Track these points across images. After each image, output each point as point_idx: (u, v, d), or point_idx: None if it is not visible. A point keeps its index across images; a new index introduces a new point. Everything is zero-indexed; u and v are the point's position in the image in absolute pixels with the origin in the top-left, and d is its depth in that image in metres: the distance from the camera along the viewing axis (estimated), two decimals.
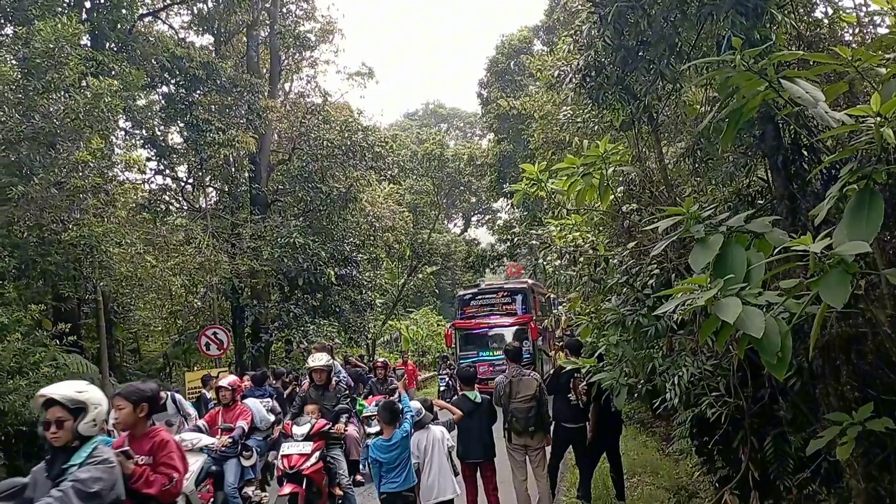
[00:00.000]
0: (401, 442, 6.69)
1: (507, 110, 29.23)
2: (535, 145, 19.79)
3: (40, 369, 12.23)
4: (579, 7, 7.69)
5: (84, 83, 14.07)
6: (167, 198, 23.00)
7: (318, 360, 8.76)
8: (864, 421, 3.38)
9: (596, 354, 7.43)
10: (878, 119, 2.63)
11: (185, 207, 23.75)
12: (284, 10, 26.05)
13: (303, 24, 26.78)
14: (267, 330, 21.22)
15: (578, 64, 7.13)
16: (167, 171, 22.66)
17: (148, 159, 21.27)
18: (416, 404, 7.44)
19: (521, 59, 31.85)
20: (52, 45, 12.42)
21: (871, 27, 6.23)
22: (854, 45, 5.38)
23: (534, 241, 8.87)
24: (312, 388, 8.81)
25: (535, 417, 8.16)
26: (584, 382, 7.89)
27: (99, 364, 14.47)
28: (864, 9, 6.12)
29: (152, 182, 22.54)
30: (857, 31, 6.25)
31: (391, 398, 8.85)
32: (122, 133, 19.90)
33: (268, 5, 24.33)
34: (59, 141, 12.91)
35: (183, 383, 15.40)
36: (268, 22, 24.59)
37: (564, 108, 10.63)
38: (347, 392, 9.54)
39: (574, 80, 7.26)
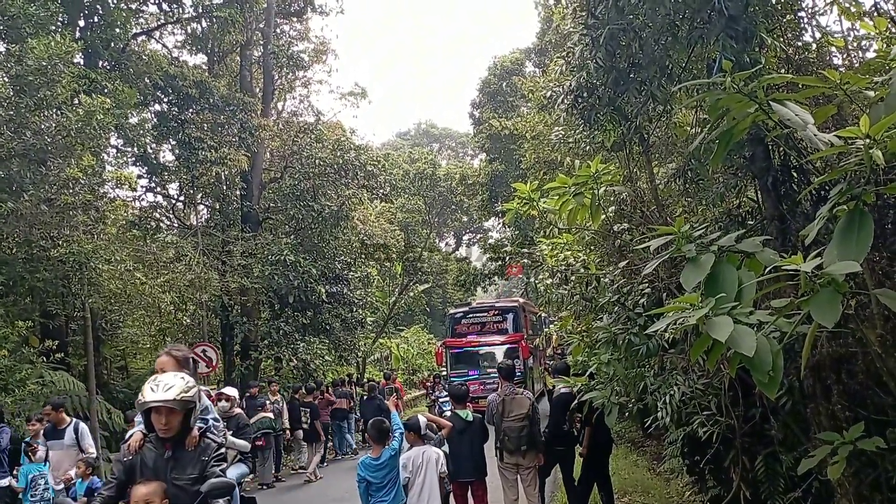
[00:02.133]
0: (389, 461, 6.58)
1: (499, 131, 29.40)
2: (526, 165, 19.90)
3: (26, 386, 12.13)
4: (571, 29, 7.78)
5: (76, 101, 14.07)
6: (158, 215, 22.97)
7: (165, 387, 4.30)
8: (855, 440, 3.39)
9: (587, 373, 7.43)
10: (867, 141, 2.66)
11: (176, 225, 23.69)
12: (278, 30, 26.19)
13: (296, 45, 26.91)
14: (256, 347, 21.09)
15: (570, 85, 7.21)
16: (158, 189, 22.66)
17: (139, 177, 21.25)
18: (422, 419, 7.42)
19: (512, 80, 32.09)
20: (44, 63, 12.43)
21: (858, 51, 6.33)
22: (842, 69, 5.46)
23: (525, 260, 8.90)
24: (150, 445, 4.41)
25: (528, 436, 8.13)
26: (576, 401, 7.88)
27: (86, 382, 14.33)
28: (851, 33, 6.23)
29: (143, 199, 22.54)
30: (845, 54, 6.35)
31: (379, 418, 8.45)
32: (114, 150, 19.86)
33: (262, 25, 24.46)
34: (50, 158, 12.89)
35: None
36: (261, 42, 24.71)
37: (556, 128, 10.72)
38: (222, 452, 4.70)
39: (566, 100, 7.33)
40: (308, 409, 15.85)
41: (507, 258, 24.54)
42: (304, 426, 15.67)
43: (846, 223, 2.72)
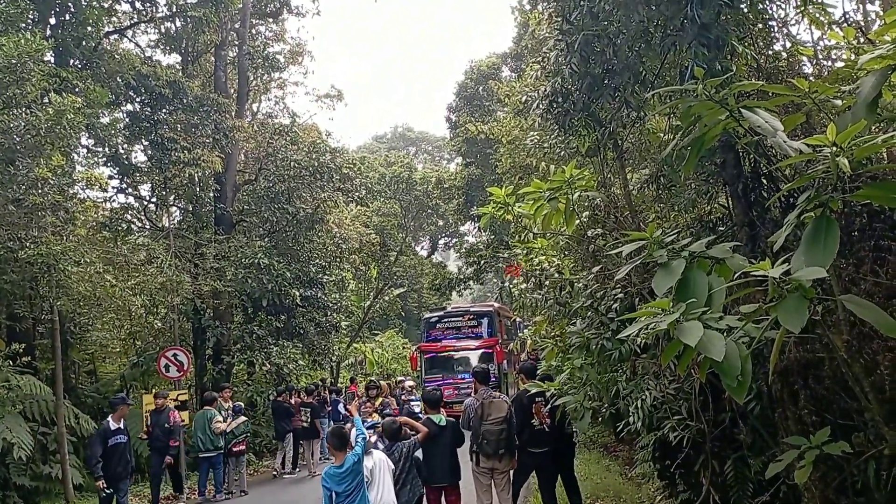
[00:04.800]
0: (353, 468, 6.48)
1: (475, 135, 29.46)
2: (502, 170, 19.96)
3: None
4: (547, 35, 7.82)
5: (46, 100, 13.82)
6: (129, 216, 22.58)
7: None
8: (821, 445, 3.43)
9: (540, 372, 7.43)
10: (834, 149, 2.70)
11: (148, 226, 23.35)
12: (254, 31, 25.99)
13: (272, 46, 26.72)
14: (229, 351, 20.85)
15: (546, 90, 7.25)
16: (130, 190, 22.28)
17: (110, 177, 20.92)
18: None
19: (489, 84, 32.20)
20: (14, 61, 12.18)
21: (828, 60, 6.45)
22: (811, 78, 5.55)
23: (500, 265, 8.93)
24: None
25: (506, 440, 8.15)
26: (548, 406, 7.89)
27: (53, 386, 14.06)
28: (821, 43, 6.34)
29: (114, 200, 22.14)
30: (814, 63, 6.46)
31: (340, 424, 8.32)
32: (85, 150, 19.55)
33: (237, 26, 24.25)
34: (19, 157, 12.65)
35: (140, 406, 15.01)
36: (236, 42, 24.50)
37: (531, 133, 10.77)
38: None
39: (541, 105, 7.37)
40: (309, 409, 16.55)
41: (483, 262, 24.56)
42: (305, 424, 16.32)
43: (813, 230, 2.76)
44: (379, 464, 6.92)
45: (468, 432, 8.51)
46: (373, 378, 22.22)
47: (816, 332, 3.76)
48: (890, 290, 4.19)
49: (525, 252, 8.14)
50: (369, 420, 10.00)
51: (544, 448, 8.45)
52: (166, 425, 12.86)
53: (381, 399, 14.56)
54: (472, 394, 9.15)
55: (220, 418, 13.41)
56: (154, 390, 17.11)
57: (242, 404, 16.06)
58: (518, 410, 8.51)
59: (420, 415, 9.11)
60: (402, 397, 17.26)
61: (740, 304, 3.25)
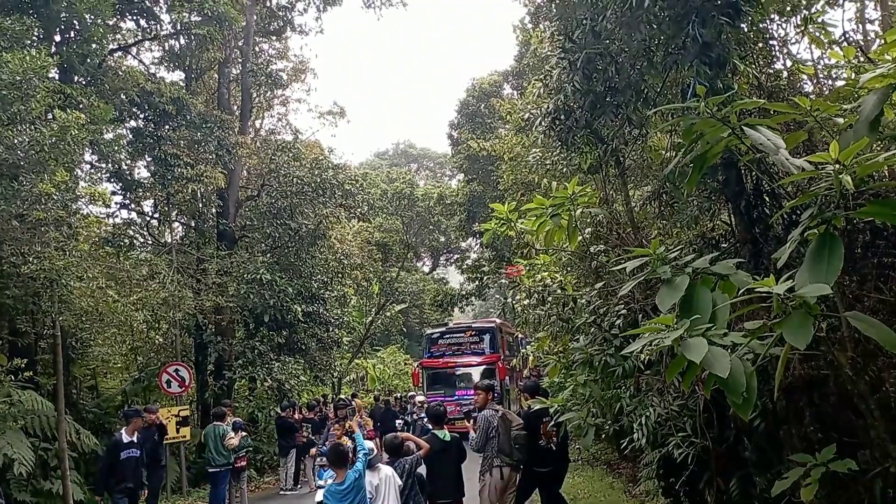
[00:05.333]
0: (354, 484, 6.38)
1: (477, 151, 29.55)
2: (504, 186, 20.01)
3: None
4: (549, 53, 7.88)
5: (51, 116, 13.90)
6: (132, 232, 22.60)
7: None
8: (827, 462, 3.42)
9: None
10: (837, 166, 2.72)
11: (150, 242, 23.38)
12: (257, 48, 26.16)
13: (275, 63, 26.89)
14: (231, 367, 20.81)
15: (548, 107, 7.28)
16: (132, 206, 22.34)
17: (113, 193, 20.93)
18: (369, 444, 7.29)
19: (490, 102, 32.34)
20: (19, 78, 12.25)
21: (828, 79, 6.49)
22: (813, 96, 5.58)
23: (503, 280, 8.96)
24: None
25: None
26: (553, 422, 7.87)
27: (55, 401, 14.02)
28: (821, 61, 6.38)
29: (117, 216, 22.18)
30: (815, 82, 6.50)
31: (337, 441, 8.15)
32: (88, 166, 19.60)
33: (240, 44, 24.42)
34: (23, 173, 12.69)
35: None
36: (240, 60, 24.66)
37: (534, 150, 10.82)
38: None
39: (544, 123, 7.41)
40: (310, 425, 16.83)
41: (485, 278, 24.57)
42: (305, 440, 16.43)
43: (817, 247, 2.77)
44: (385, 480, 6.86)
45: (476, 452, 8.47)
46: (342, 397, 21.65)
47: (821, 349, 3.75)
48: (894, 306, 4.19)
49: (528, 268, 8.16)
50: None
51: (549, 467, 8.44)
52: (154, 438, 12.51)
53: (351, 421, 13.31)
54: (477, 410, 9.12)
55: (232, 434, 13.39)
56: (158, 406, 17.04)
57: (242, 420, 15.98)
58: (527, 429, 8.50)
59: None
60: (414, 414, 17.17)
61: (744, 321, 3.25)
